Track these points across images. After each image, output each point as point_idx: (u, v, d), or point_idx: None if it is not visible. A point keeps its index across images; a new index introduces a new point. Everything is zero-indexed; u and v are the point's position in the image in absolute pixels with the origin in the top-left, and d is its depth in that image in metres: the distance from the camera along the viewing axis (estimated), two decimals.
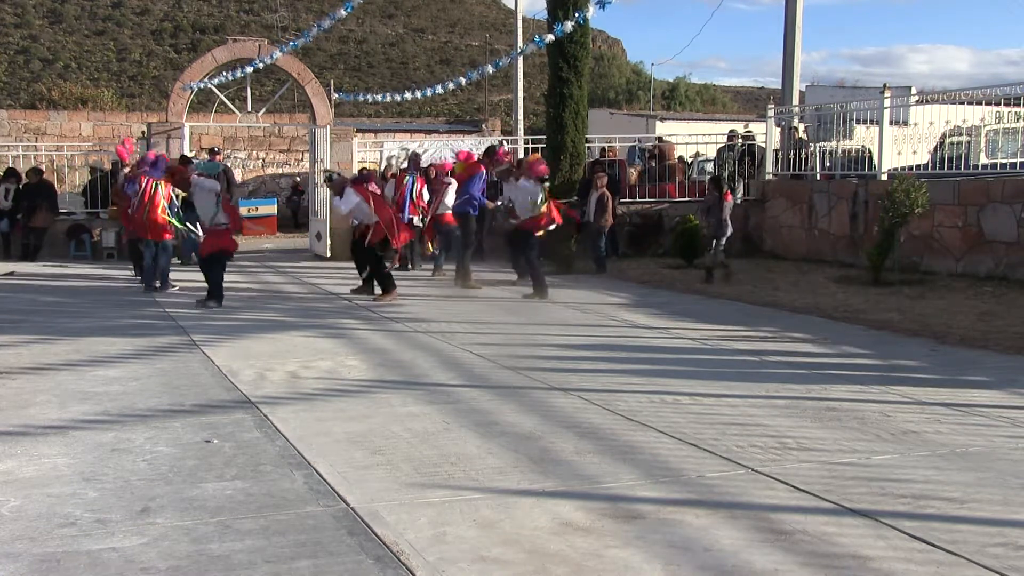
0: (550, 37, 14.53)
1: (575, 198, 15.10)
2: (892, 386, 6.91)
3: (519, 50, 18.00)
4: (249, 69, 17.14)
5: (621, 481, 4.76)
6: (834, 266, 14.40)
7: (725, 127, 22.25)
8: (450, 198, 13.62)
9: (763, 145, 17.62)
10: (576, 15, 14.18)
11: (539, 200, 11.85)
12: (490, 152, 13.84)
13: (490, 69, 16.75)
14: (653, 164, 19.01)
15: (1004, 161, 14.38)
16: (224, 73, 17.30)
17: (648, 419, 5.93)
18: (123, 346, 8.42)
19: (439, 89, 18.25)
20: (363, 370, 7.52)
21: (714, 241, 13.48)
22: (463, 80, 17.44)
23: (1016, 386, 6.92)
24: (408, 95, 18.70)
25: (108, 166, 18.44)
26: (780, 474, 4.85)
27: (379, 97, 21.09)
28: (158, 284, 12.41)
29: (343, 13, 16.04)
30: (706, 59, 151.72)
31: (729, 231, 13.59)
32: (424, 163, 18.62)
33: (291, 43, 18.27)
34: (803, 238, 15.97)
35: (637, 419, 5.94)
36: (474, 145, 19.38)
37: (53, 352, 8.18)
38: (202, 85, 17.39)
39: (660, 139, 19.95)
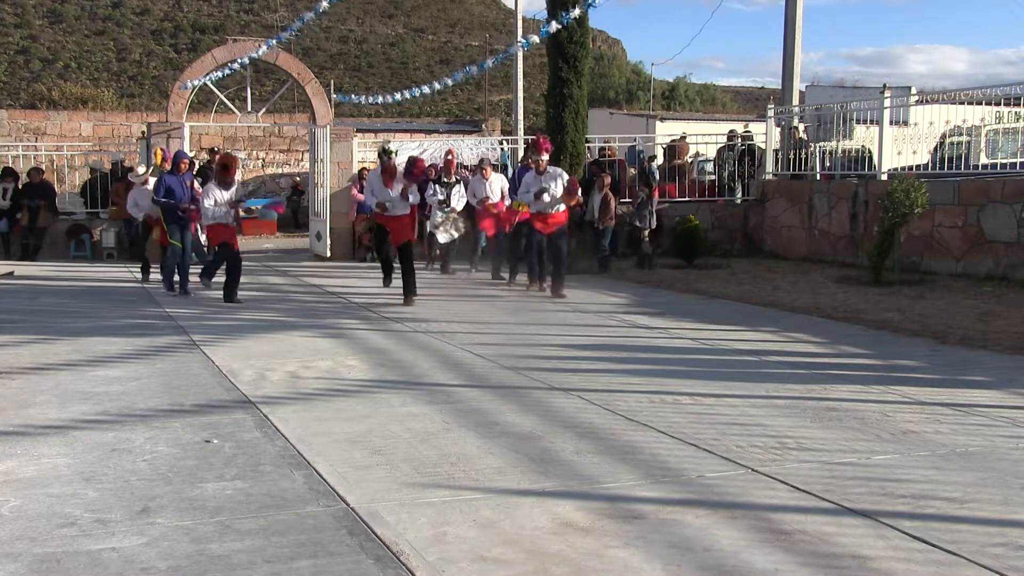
0: (535, 38, 14.62)
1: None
2: (892, 386, 6.91)
3: (519, 41, 17.90)
4: (236, 65, 17.10)
5: (621, 481, 4.76)
6: (834, 266, 14.40)
7: (725, 127, 22.23)
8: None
9: (763, 145, 17.62)
10: (564, 15, 14.17)
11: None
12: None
13: (490, 63, 16.70)
14: (651, 165, 19.00)
15: (1004, 161, 14.38)
16: (216, 72, 17.23)
17: (648, 419, 5.93)
18: (123, 346, 8.42)
19: (436, 86, 18.22)
20: (363, 370, 7.52)
21: (643, 232, 14.98)
22: (459, 76, 17.41)
23: (1016, 386, 6.92)
24: (407, 94, 18.68)
25: (108, 166, 18.43)
26: (780, 474, 4.85)
27: (377, 99, 21.04)
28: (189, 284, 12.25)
29: (325, 4, 15.99)
30: (704, 59, 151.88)
31: (653, 224, 15.09)
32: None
33: (279, 37, 18.21)
34: (803, 238, 15.96)
35: (637, 419, 5.94)
36: (474, 145, 19.40)
37: (53, 352, 8.18)
38: (200, 83, 17.36)
39: (683, 136, 19.89)
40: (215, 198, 11.34)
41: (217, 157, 14.75)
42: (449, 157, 15.22)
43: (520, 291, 12.40)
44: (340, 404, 6.36)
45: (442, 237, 14.10)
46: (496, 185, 13.94)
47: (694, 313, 10.52)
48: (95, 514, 4.27)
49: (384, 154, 11.47)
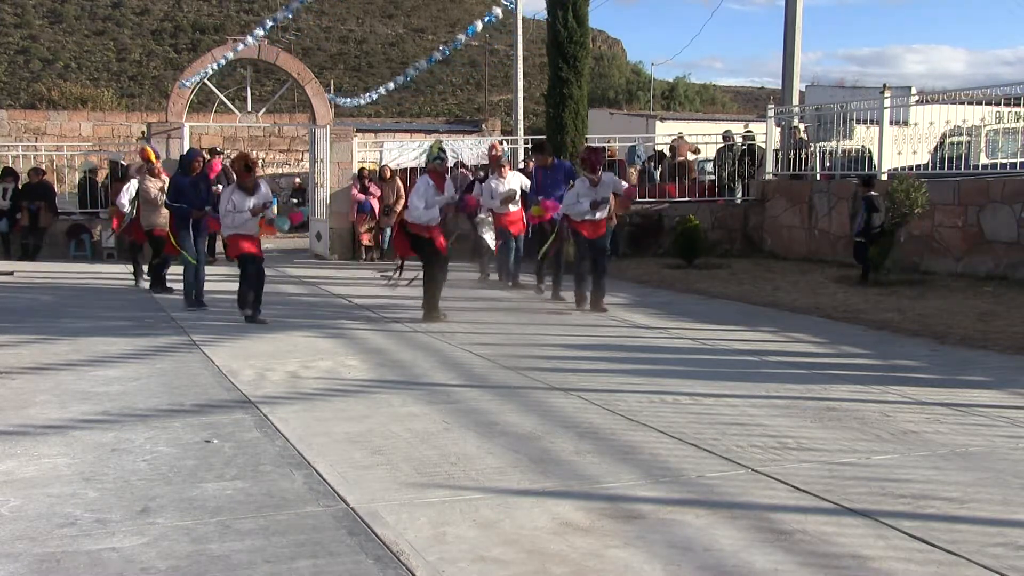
0: (498, 11, 14.63)
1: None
2: (892, 386, 6.91)
3: (518, 9, 17.81)
4: (230, 55, 17.07)
5: (621, 481, 4.76)
6: (834, 266, 14.39)
7: (724, 127, 22.23)
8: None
9: (763, 145, 17.61)
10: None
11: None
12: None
13: (479, 25, 16.64)
14: (654, 165, 18.98)
15: (1004, 161, 14.38)
16: (212, 64, 17.20)
17: (648, 419, 5.93)
18: (123, 346, 8.42)
19: (424, 63, 18.23)
20: (363, 370, 7.52)
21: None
22: (437, 57, 17.41)
23: (1016, 386, 6.92)
24: (391, 85, 18.64)
25: (102, 177, 18.34)
26: (780, 474, 4.85)
27: (364, 99, 20.98)
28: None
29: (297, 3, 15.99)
30: (704, 59, 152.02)
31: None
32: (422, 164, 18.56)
33: (255, 31, 18.15)
34: (803, 238, 15.96)
35: (637, 419, 5.94)
36: (474, 145, 19.40)
37: (53, 352, 8.18)
38: (198, 80, 17.35)
39: (680, 136, 19.86)
40: (235, 204, 9.85)
41: (235, 157, 13.51)
42: (494, 152, 13.74)
43: (560, 304, 11.20)
44: (340, 404, 6.36)
45: (492, 240, 13.24)
46: (515, 183, 13.00)
47: (694, 313, 10.52)
48: (95, 514, 4.27)
49: (439, 157, 10.14)
